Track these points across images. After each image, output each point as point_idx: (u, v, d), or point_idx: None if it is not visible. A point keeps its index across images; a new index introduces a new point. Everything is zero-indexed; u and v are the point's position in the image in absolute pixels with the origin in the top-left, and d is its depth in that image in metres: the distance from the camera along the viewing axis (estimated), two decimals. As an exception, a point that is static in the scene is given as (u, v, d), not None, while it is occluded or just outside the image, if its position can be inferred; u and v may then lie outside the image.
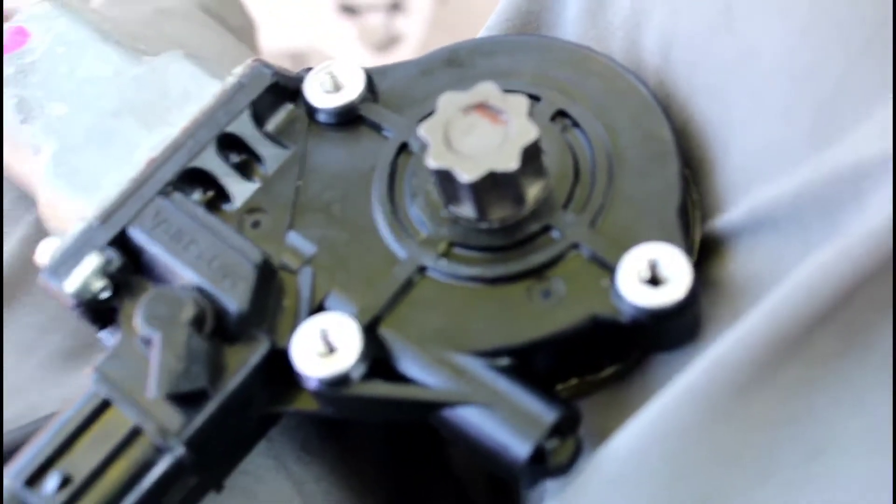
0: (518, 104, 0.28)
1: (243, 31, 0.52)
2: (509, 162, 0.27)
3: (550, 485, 0.29)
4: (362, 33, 0.87)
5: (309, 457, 0.33)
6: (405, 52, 0.90)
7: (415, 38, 0.90)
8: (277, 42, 0.86)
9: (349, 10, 0.91)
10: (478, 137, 0.28)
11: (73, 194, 0.31)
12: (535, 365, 0.28)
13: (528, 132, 0.28)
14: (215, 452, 0.28)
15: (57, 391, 0.34)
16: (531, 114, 0.28)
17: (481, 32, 0.36)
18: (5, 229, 0.37)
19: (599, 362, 0.29)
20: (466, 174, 0.27)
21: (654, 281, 0.27)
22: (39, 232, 0.36)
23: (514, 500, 0.35)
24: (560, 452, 0.27)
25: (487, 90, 0.28)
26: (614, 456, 0.27)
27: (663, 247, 0.27)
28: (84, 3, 0.36)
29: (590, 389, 0.29)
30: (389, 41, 0.87)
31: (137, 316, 0.28)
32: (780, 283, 0.26)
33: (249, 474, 0.31)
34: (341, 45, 0.91)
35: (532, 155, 0.28)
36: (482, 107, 0.28)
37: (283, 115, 0.32)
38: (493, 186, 0.28)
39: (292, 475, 0.33)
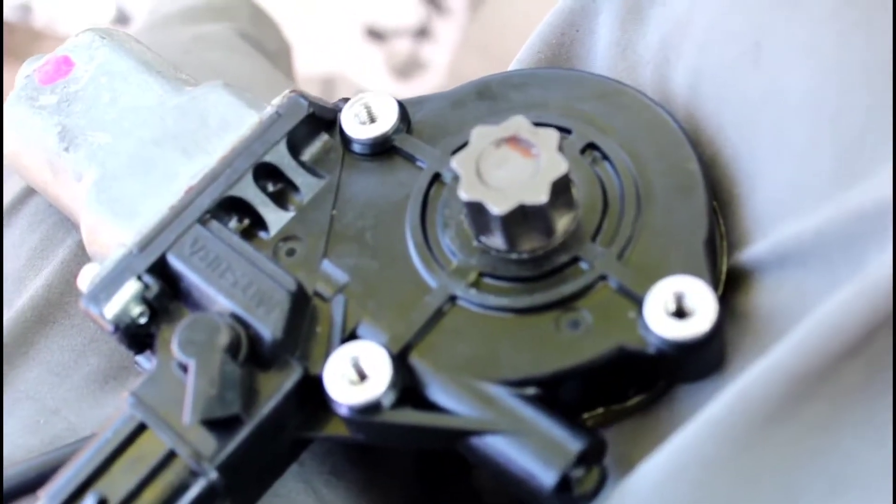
0: (548, 138, 0.29)
1: (280, 55, 0.53)
2: (539, 195, 0.28)
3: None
4: (389, 59, 0.88)
5: (338, 481, 0.34)
6: (431, 79, 0.91)
7: (441, 66, 0.91)
8: (304, 67, 0.87)
9: (376, 36, 0.92)
10: (509, 170, 0.29)
11: (114, 221, 0.32)
12: (562, 394, 0.28)
13: (558, 166, 0.28)
14: (247, 476, 0.29)
15: (94, 413, 0.34)
16: (561, 147, 0.29)
17: (512, 65, 0.36)
18: (47, 253, 0.38)
19: (625, 392, 0.30)
20: (497, 207, 0.28)
21: (681, 313, 0.28)
22: (80, 255, 0.37)
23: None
24: (586, 481, 0.27)
25: (518, 124, 0.29)
26: (639, 486, 0.27)
27: (689, 280, 0.28)
28: (126, 34, 0.37)
29: (616, 418, 0.30)
30: (415, 67, 0.88)
31: (174, 342, 0.29)
32: (805, 319, 0.27)
33: (280, 496, 0.32)
34: (368, 71, 0.92)
35: (561, 188, 0.29)
36: (513, 140, 0.29)
37: (319, 145, 0.33)
38: (523, 219, 0.28)
39: (321, 498, 0.33)
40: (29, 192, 0.39)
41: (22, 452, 0.33)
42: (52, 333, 0.36)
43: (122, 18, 1.01)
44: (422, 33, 0.93)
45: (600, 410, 0.30)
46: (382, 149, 0.33)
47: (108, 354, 0.35)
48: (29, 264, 0.37)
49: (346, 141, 0.33)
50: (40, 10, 1.00)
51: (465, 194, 0.28)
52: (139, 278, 0.30)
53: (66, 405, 0.34)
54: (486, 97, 0.33)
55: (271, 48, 0.50)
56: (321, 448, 0.33)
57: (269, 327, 0.29)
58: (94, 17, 1.01)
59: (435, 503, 0.37)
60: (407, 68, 0.91)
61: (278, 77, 0.47)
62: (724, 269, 0.31)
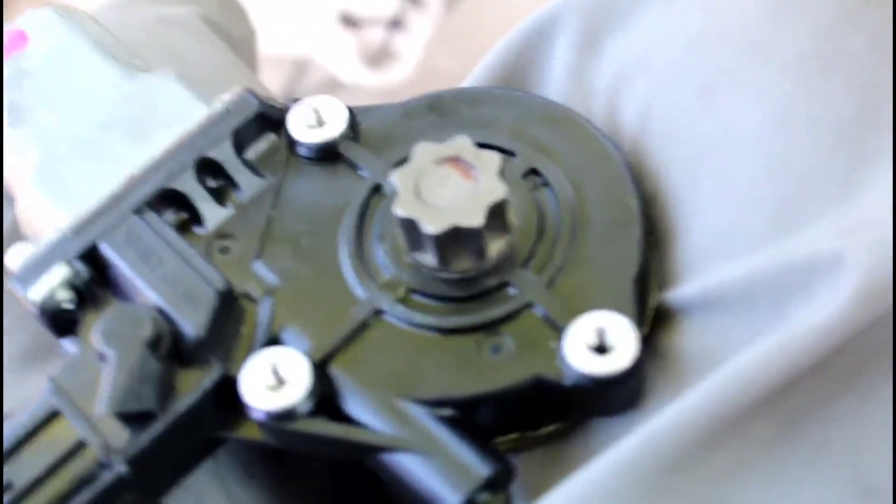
0: (490, 161, 0.29)
1: (244, 43, 0.53)
2: (475, 218, 0.28)
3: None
4: (361, 46, 0.88)
5: (251, 479, 0.34)
6: (402, 70, 0.91)
7: (413, 58, 0.91)
8: (276, 48, 0.87)
9: (350, 22, 0.92)
10: (448, 190, 0.29)
11: (53, 202, 0.32)
12: (477, 416, 0.29)
13: (496, 191, 0.28)
14: (157, 471, 0.29)
15: (14, 391, 0.34)
16: (503, 171, 0.29)
17: (466, 81, 0.36)
18: None
19: (540, 419, 0.30)
20: (431, 226, 0.28)
21: (601, 349, 0.28)
22: (13, 233, 0.36)
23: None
24: None
25: (462, 145, 0.29)
26: None
27: (613, 316, 0.28)
28: (86, 14, 0.36)
29: (530, 445, 0.30)
30: (386, 57, 0.88)
31: (96, 331, 0.29)
32: (722, 367, 0.27)
33: (190, 491, 0.32)
34: (339, 56, 0.92)
35: (498, 213, 0.29)
36: (455, 160, 0.29)
37: (265, 145, 0.33)
38: (456, 240, 0.29)
39: (232, 496, 0.33)
40: None
41: None
42: None
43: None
44: (396, 24, 0.93)
45: (514, 436, 0.30)
46: (327, 154, 0.33)
47: (35, 334, 0.35)
48: None
49: (291, 143, 0.33)
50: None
51: (400, 210, 0.28)
52: (69, 263, 0.30)
53: None
54: (437, 111, 0.34)
55: (236, 35, 0.49)
56: (236, 445, 0.33)
57: (192, 324, 0.29)
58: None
59: None
60: (378, 57, 0.91)
61: (238, 65, 0.46)
62: (654, 306, 0.31)
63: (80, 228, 0.31)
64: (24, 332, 0.35)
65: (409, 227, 0.29)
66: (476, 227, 0.28)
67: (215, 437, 0.30)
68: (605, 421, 0.30)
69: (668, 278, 0.31)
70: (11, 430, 0.28)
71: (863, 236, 0.27)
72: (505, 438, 0.30)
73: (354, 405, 0.29)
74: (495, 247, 0.30)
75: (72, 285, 0.30)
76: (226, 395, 0.29)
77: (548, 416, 0.30)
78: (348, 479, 0.37)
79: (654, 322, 0.31)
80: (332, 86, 0.89)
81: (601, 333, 0.28)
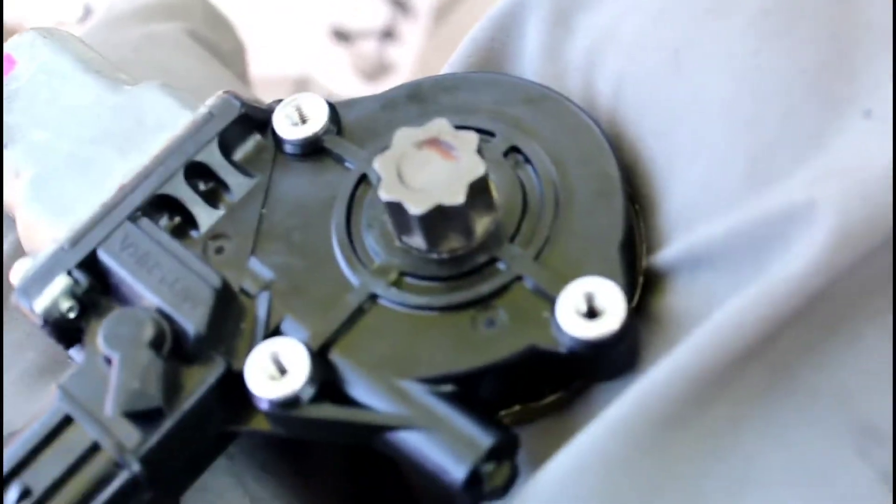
0: (468, 141, 0.29)
1: (235, 55, 0.53)
2: (457, 196, 0.29)
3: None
4: (355, 60, 0.89)
5: (268, 476, 0.34)
6: (398, 80, 0.91)
7: (406, 68, 0.92)
8: (276, 69, 0.88)
9: (342, 37, 0.92)
10: (429, 172, 0.29)
11: (49, 218, 0.33)
12: (478, 391, 0.29)
13: (476, 168, 0.29)
14: (171, 469, 0.30)
15: (28, 408, 0.35)
16: (482, 150, 0.29)
17: (444, 69, 0.37)
18: None
19: (541, 390, 0.30)
20: (416, 207, 0.29)
21: (591, 313, 0.28)
22: (18, 252, 0.37)
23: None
24: (496, 476, 0.28)
25: (440, 126, 0.30)
26: (547, 482, 0.28)
27: (600, 281, 0.29)
28: (69, 34, 0.37)
29: (532, 416, 0.31)
30: (382, 70, 0.88)
31: (99, 335, 0.29)
32: (706, 321, 0.28)
33: (208, 490, 0.33)
34: (336, 72, 0.93)
35: (479, 190, 0.29)
36: (434, 142, 0.30)
37: (251, 145, 0.34)
38: (442, 219, 0.29)
39: (250, 493, 0.34)
40: None
41: None
42: None
43: (89, 15, 1.02)
44: (388, 35, 0.94)
45: (517, 408, 0.31)
46: (313, 149, 0.34)
47: (44, 349, 0.35)
48: None
49: (277, 141, 0.34)
50: (11, 8, 1.00)
51: (385, 195, 0.29)
52: (69, 273, 0.31)
53: (4, 400, 0.35)
54: (417, 100, 0.34)
55: (224, 48, 0.50)
56: (251, 443, 0.34)
57: (192, 322, 0.30)
58: (63, 15, 1.01)
59: (366, 500, 0.38)
60: (374, 70, 0.92)
61: (227, 76, 0.47)
62: (642, 271, 0.31)
63: (76, 239, 0.32)
64: (34, 349, 0.36)
65: (396, 210, 0.29)
66: (459, 204, 0.29)
67: (225, 433, 0.31)
68: (604, 387, 0.30)
69: (654, 244, 0.32)
70: (24, 439, 0.29)
71: (836, 183, 0.27)
72: (508, 412, 0.30)
73: (356, 388, 0.29)
74: (481, 225, 0.30)
75: (73, 294, 0.31)
76: (232, 390, 0.30)
77: (547, 386, 0.30)
78: (364, 474, 0.38)
79: (645, 288, 0.31)
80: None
81: (590, 298, 0.29)
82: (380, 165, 0.29)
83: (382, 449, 0.29)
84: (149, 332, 0.29)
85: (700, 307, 0.29)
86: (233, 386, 0.30)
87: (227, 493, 0.34)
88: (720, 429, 0.27)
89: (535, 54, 0.35)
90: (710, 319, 0.28)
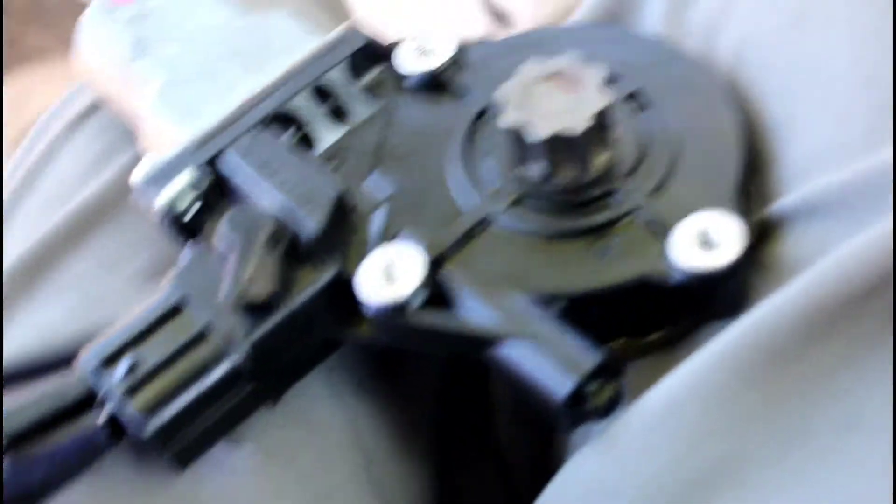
0: (594, 74, 0.30)
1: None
2: (578, 124, 0.29)
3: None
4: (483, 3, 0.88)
5: (364, 393, 0.35)
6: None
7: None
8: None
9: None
10: (552, 102, 0.30)
11: (176, 122, 0.34)
12: (585, 318, 0.29)
13: (599, 99, 0.29)
14: (274, 365, 0.30)
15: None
16: (606, 85, 0.30)
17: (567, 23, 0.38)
18: (109, 159, 0.39)
19: (647, 325, 0.30)
20: (535, 133, 0.29)
21: (706, 246, 0.28)
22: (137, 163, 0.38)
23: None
24: (599, 395, 0.28)
25: (567, 60, 0.30)
26: (648, 409, 0.28)
27: (718, 214, 0.29)
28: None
29: (636, 352, 0.31)
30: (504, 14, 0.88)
31: (219, 228, 0.30)
32: (823, 258, 0.27)
33: (305, 397, 0.33)
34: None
35: (601, 121, 0.30)
36: (559, 75, 0.30)
37: (374, 74, 0.35)
38: (561, 147, 0.29)
39: (347, 406, 0.34)
40: (96, 107, 0.41)
41: (61, 339, 0.34)
42: (106, 229, 0.37)
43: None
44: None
45: (621, 341, 0.30)
46: (434, 83, 0.34)
47: (157, 253, 0.36)
48: (91, 168, 0.39)
49: (399, 73, 0.34)
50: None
51: (505, 120, 0.29)
52: (195, 168, 0.32)
53: (111, 295, 0.36)
54: (540, 46, 0.35)
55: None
56: (352, 359, 0.34)
57: (310, 223, 0.30)
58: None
59: (454, 443, 0.38)
60: (501, 15, 0.91)
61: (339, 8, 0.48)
62: (757, 221, 0.31)
63: (204, 141, 0.33)
64: (146, 251, 0.36)
65: (514, 137, 0.30)
66: (579, 132, 0.29)
67: (330, 341, 0.31)
68: (710, 329, 0.30)
69: (768, 196, 0.32)
70: (138, 319, 0.30)
71: None
72: (612, 344, 0.30)
73: (465, 300, 0.29)
74: (599, 159, 0.30)
75: (195, 189, 0.32)
76: (340, 296, 0.30)
77: (654, 321, 0.30)
78: (452, 401, 0.38)
79: (757, 239, 0.31)
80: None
81: (706, 231, 0.29)
82: (502, 93, 0.30)
83: (485, 361, 0.29)
84: (268, 228, 0.30)
85: (813, 255, 0.29)
86: (342, 292, 0.30)
87: (324, 402, 0.34)
88: (832, 370, 0.27)
89: (659, 15, 0.36)
90: (826, 258, 0.27)
